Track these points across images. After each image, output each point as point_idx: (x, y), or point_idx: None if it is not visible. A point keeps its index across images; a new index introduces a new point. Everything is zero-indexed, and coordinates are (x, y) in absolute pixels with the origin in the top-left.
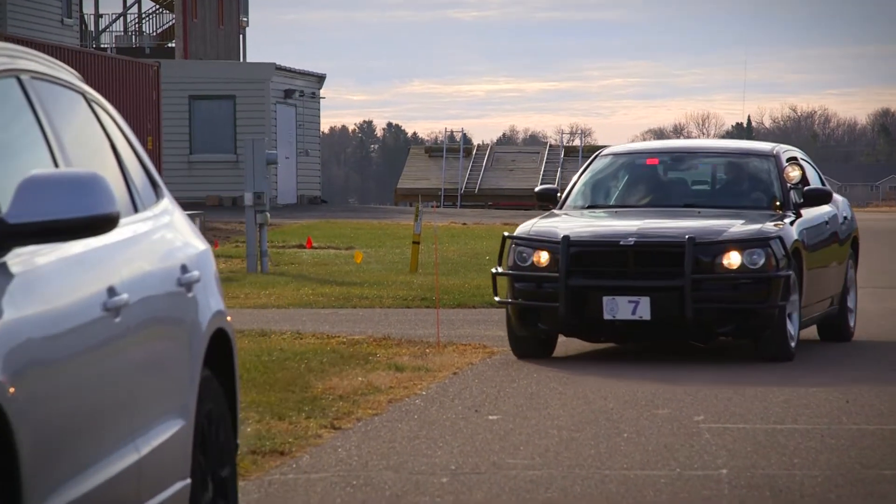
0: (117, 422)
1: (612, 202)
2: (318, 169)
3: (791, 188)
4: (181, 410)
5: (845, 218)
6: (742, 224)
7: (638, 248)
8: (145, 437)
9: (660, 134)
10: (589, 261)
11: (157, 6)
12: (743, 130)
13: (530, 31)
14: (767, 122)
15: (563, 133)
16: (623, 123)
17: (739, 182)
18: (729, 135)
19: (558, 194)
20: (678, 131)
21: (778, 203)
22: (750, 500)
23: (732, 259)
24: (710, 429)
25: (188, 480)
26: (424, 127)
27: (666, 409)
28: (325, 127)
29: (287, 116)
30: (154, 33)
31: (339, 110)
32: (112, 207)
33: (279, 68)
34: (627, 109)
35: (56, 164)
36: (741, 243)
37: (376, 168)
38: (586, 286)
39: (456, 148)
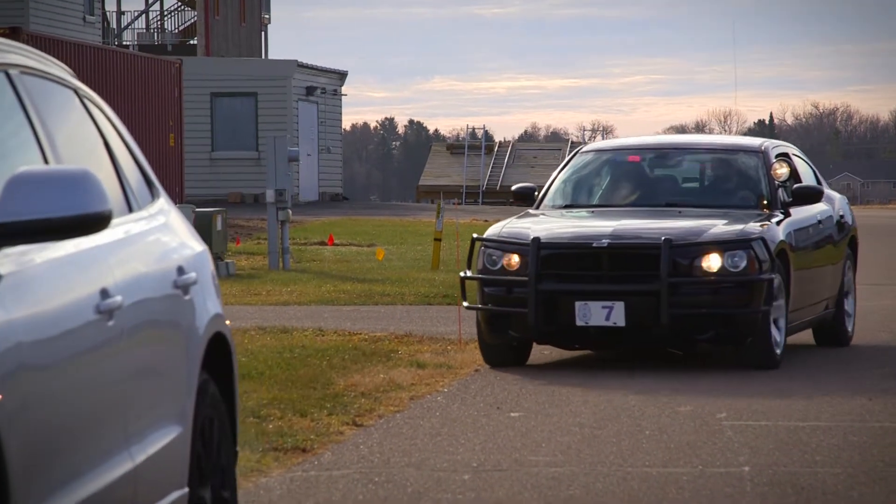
0: (111, 429)
1: (591, 201)
2: (339, 166)
3: (779, 186)
4: (178, 417)
5: (841, 216)
6: (724, 224)
7: (612, 251)
8: (141, 445)
9: (681, 131)
10: (560, 264)
11: (180, 3)
12: (765, 127)
13: (552, 27)
14: (790, 119)
15: (584, 130)
16: (644, 120)
17: (725, 180)
18: (751, 132)
19: (536, 193)
20: (700, 128)
21: (765, 202)
22: (772, 497)
23: (712, 262)
24: (733, 426)
25: (186, 489)
26: (446, 124)
27: (688, 407)
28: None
29: (309, 113)
30: (176, 30)
31: (360, 107)
32: (104, 205)
33: (301, 65)
34: (649, 106)
35: (46, 162)
36: (721, 245)
37: (398, 165)
38: (558, 291)
39: (478, 145)
